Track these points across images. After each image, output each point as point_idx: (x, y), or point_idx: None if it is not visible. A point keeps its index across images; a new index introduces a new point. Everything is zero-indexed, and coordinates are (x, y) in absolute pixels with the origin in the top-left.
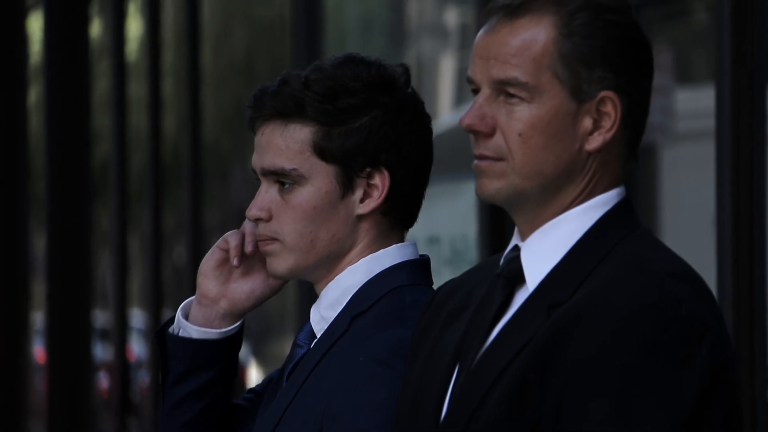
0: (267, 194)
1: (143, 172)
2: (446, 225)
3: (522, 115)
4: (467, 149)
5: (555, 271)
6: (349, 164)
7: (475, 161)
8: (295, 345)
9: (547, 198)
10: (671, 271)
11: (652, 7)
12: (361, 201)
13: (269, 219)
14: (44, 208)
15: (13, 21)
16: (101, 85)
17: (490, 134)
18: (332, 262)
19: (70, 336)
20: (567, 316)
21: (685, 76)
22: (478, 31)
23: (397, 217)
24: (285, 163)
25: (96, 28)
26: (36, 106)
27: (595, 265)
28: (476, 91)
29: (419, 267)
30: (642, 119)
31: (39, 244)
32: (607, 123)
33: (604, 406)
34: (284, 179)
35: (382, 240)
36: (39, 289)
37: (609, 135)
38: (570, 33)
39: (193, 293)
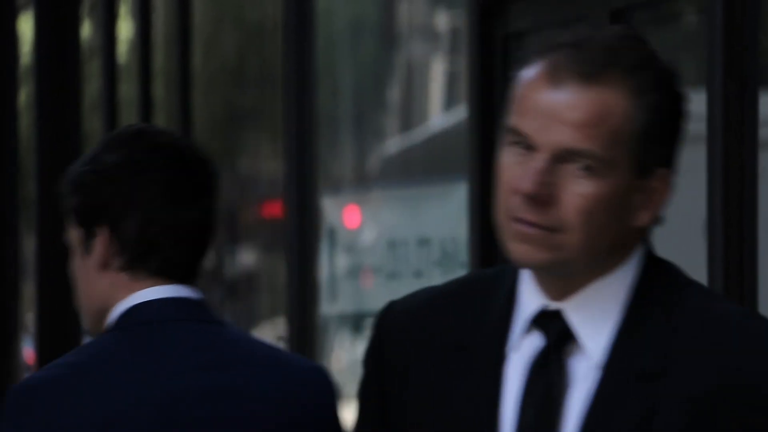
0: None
1: None
2: (436, 227)
3: (587, 190)
4: (457, 151)
5: (622, 335)
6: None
7: (520, 225)
8: None
9: (588, 269)
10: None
11: (641, 11)
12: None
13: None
14: (34, 209)
15: (3, 22)
16: (92, 86)
17: (548, 203)
18: None
19: (60, 337)
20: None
21: None
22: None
23: None
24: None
25: (86, 30)
26: (26, 108)
27: (665, 322)
28: (520, 143)
29: None
30: None
31: (29, 246)
32: (657, 198)
33: None
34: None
35: None
36: (29, 291)
37: (656, 211)
38: (642, 107)
39: None
